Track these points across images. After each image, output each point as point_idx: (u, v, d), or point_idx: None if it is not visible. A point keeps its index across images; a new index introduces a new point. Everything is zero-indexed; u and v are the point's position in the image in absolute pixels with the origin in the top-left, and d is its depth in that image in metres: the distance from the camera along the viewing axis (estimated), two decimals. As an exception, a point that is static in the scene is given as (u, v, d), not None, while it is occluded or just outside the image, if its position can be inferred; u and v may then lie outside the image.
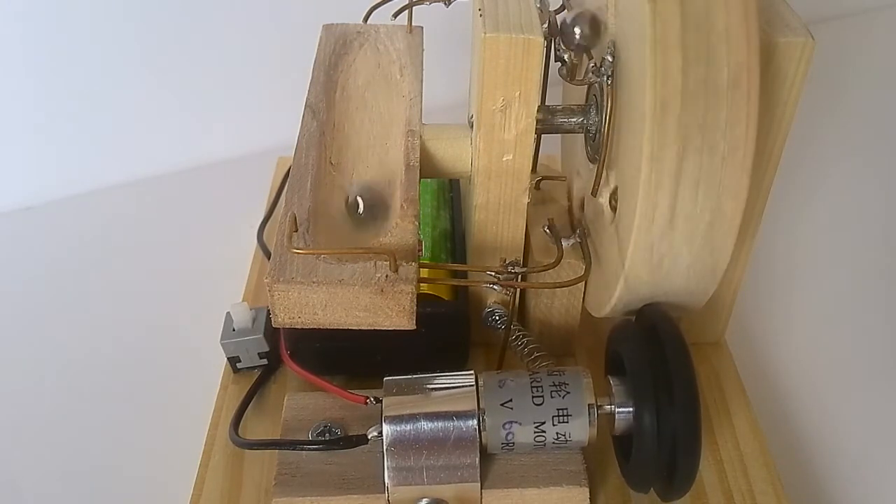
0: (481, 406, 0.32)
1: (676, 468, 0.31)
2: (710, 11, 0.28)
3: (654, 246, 0.30)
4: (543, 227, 0.38)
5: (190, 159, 0.59)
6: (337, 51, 0.40)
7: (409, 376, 0.34)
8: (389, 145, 0.36)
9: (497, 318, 0.39)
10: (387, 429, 0.32)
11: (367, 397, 0.34)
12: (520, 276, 0.34)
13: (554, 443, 0.32)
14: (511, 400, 0.32)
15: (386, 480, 0.32)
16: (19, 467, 0.40)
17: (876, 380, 0.43)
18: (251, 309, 0.40)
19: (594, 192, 0.34)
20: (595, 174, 0.34)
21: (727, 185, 0.29)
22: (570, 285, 0.36)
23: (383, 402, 0.33)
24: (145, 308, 0.48)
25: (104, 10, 0.53)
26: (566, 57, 0.35)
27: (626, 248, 0.31)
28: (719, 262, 0.31)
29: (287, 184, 0.33)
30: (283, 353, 0.38)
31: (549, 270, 0.35)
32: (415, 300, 0.29)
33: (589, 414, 0.32)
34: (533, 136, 0.34)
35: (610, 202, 0.33)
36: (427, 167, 0.36)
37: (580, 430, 0.32)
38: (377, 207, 0.32)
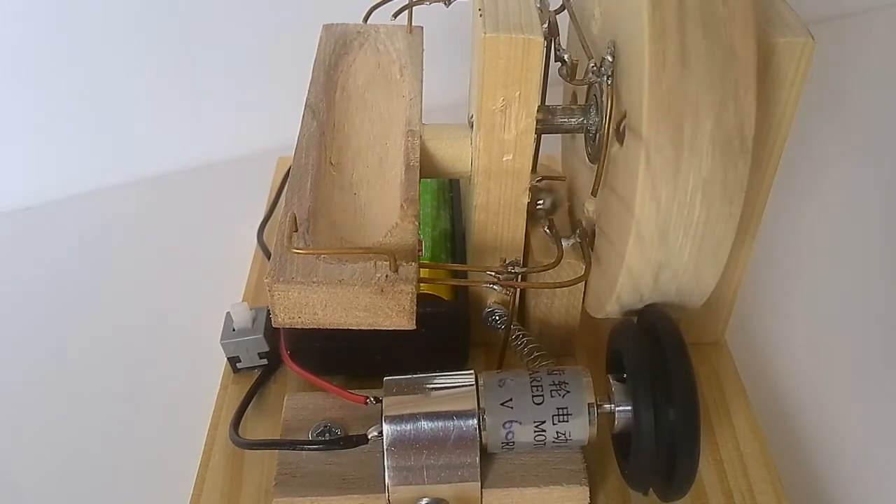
0: (481, 405, 0.32)
1: (675, 468, 0.31)
2: None
3: (669, 98, 0.28)
4: (543, 227, 0.38)
5: (190, 159, 0.59)
6: (337, 51, 0.40)
7: (409, 376, 0.34)
8: (389, 145, 0.36)
9: (497, 318, 0.39)
10: (387, 428, 0.32)
11: (367, 397, 0.34)
12: (520, 276, 0.34)
13: (554, 442, 0.32)
14: (511, 399, 0.32)
15: (386, 480, 0.32)
16: (19, 467, 0.40)
17: (876, 380, 0.43)
18: (251, 309, 0.40)
19: (594, 193, 0.34)
20: (595, 174, 0.34)
21: (733, 26, 0.28)
22: (570, 285, 0.36)
23: (383, 401, 0.33)
24: (145, 308, 0.48)
25: (104, 11, 0.53)
26: (566, 57, 0.35)
27: (641, 115, 0.29)
28: (745, 123, 0.29)
29: (287, 184, 0.33)
30: (283, 353, 0.38)
31: (549, 270, 0.35)
32: (415, 300, 0.29)
33: (589, 413, 0.32)
34: (533, 136, 0.34)
35: (619, 135, 0.32)
36: (427, 167, 0.36)
37: (580, 429, 0.32)
38: None
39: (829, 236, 0.52)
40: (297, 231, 0.30)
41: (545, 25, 0.34)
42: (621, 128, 0.32)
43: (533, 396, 0.32)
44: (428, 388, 0.33)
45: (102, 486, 0.39)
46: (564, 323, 0.40)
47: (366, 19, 0.41)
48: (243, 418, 0.38)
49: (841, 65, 0.67)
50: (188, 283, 0.49)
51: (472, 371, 0.33)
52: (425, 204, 0.44)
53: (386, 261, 0.29)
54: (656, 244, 0.31)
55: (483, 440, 0.32)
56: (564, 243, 0.37)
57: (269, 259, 0.32)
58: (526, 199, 0.36)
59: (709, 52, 0.28)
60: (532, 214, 0.38)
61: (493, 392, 0.32)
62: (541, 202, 0.39)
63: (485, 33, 0.32)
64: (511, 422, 0.32)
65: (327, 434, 0.34)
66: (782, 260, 0.50)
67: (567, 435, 0.32)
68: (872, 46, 0.71)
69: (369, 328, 0.30)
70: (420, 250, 0.31)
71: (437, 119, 0.38)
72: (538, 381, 0.32)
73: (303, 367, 0.37)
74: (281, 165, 0.54)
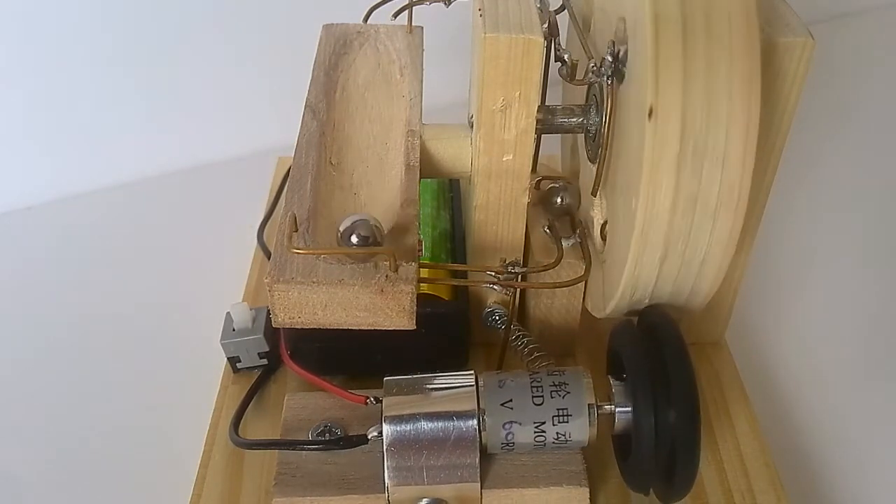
0: (481, 406, 0.32)
1: (675, 469, 0.31)
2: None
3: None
4: (543, 227, 0.38)
5: (190, 159, 0.59)
6: (337, 51, 0.40)
7: (409, 376, 0.34)
8: (389, 145, 0.36)
9: (497, 318, 0.39)
10: (387, 429, 0.32)
11: (367, 397, 0.34)
12: (520, 276, 0.34)
13: (554, 443, 0.32)
14: (511, 400, 0.32)
15: (386, 480, 0.32)
16: (19, 467, 0.40)
17: (876, 379, 0.43)
18: (251, 309, 0.40)
19: (594, 192, 0.34)
20: (595, 174, 0.34)
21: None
22: (570, 285, 0.36)
23: (383, 401, 0.33)
24: (145, 308, 0.48)
25: (105, 10, 0.53)
26: (566, 57, 0.35)
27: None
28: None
29: (287, 184, 0.33)
30: (283, 353, 0.38)
31: (549, 270, 0.35)
32: (415, 300, 0.29)
33: (589, 414, 0.32)
34: (533, 136, 0.34)
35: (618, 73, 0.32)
36: (427, 167, 0.36)
37: (580, 430, 0.32)
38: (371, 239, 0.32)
39: (829, 236, 0.52)
40: (297, 231, 0.30)
41: (545, 25, 0.34)
42: (618, 59, 0.31)
43: (533, 397, 0.32)
44: (428, 389, 0.33)
45: (102, 485, 0.39)
46: (564, 323, 0.40)
47: (366, 19, 0.41)
48: (243, 418, 0.38)
49: (841, 65, 0.67)
50: (188, 283, 0.49)
51: (472, 371, 0.33)
52: (425, 204, 0.44)
53: (386, 261, 0.29)
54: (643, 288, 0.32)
55: (483, 441, 0.32)
56: (564, 243, 0.37)
57: (269, 259, 0.32)
58: (526, 199, 0.36)
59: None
60: (550, 210, 0.38)
61: (493, 393, 0.32)
62: (559, 200, 0.39)
63: (485, 33, 0.32)
64: (511, 422, 0.32)
65: (327, 434, 0.34)
66: (782, 260, 0.50)
67: (567, 436, 0.32)
68: (872, 46, 0.71)
69: (369, 328, 0.30)
70: (420, 250, 0.31)
71: (437, 119, 0.38)
72: (538, 381, 0.32)
73: (303, 367, 0.37)
74: (281, 165, 0.54)
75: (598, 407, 0.32)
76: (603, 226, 0.33)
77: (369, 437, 0.33)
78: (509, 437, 0.32)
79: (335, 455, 0.34)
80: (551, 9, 0.37)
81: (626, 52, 0.31)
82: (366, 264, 0.29)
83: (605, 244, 0.33)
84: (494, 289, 0.35)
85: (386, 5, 0.40)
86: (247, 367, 0.40)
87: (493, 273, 0.34)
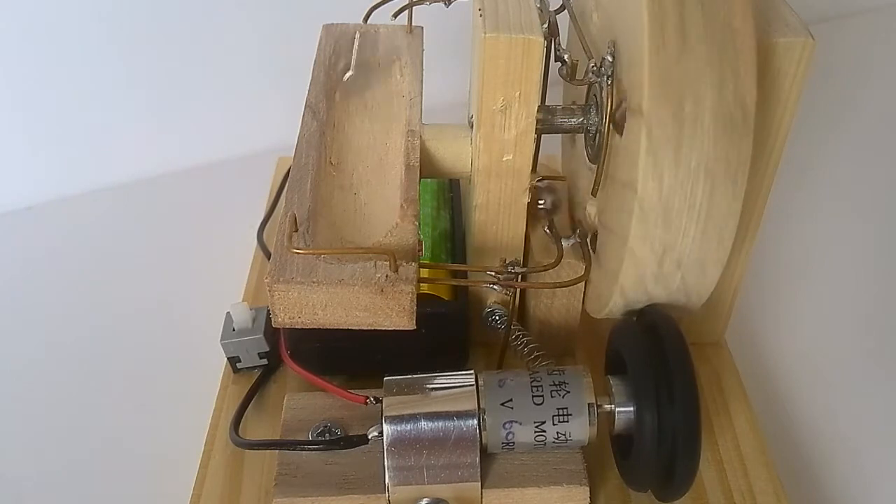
0: (481, 406, 0.32)
1: (675, 469, 0.31)
2: None
3: (670, 74, 0.28)
4: (543, 227, 0.38)
5: (190, 159, 0.59)
6: (337, 51, 0.40)
7: (410, 376, 0.34)
8: (389, 145, 0.36)
9: (497, 318, 0.39)
10: (387, 428, 0.32)
11: (367, 397, 0.34)
12: (520, 276, 0.34)
13: (554, 442, 0.32)
14: (511, 399, 0.32)
15: (386, 480, 0.32)
16: (19, 467, 0.40)
17: (876, 379, 0.43)
18: (251, 309, 0.40)
19: (594, 193, 0.34)
20: (595, 175, 0.34)
21: (732, 4, 0.28)
22: (570, 285, 0.36)
23: (383, 401, 0.33)
24: (145, 308, 0.48)
25: (104, 9, 0.53)
26: (566, 57, 0.35)
27: (642, 94, 0.29)
28: (747, 98, 0.29)
29: (287, 184, 0.33)
30: (283, 353, 0.39)
31: (549, 270, 0.35)
32: (415, 300, 0.29)
33: (589, 413, 0.32)
34: (533, 136, 0.34)
35: (617, 126, 0.32)
36: (427, 167, 0.36)
37: (580, 429, 0.32)
38: None
39: (830, 236, 0.52)
40: (297, 231, 0.30)
41: (545, 25, 0.34)
42: (618, 115, 0.31)
43: (533, 396, 0.32)
44: (428, 388, 0.33)
45: (103, 486, 0.39)
46: (564, 323, 0.40)
47: (366, 19, 0.41)
48: (243, 418, 0.38)
49: (841, 65, 0.67)
50: (188, 284, 0.49)
51: (472, 371, 0.33)
52: (425, 204, 0.44)
53: (386, 261, 0.29)
54: (660, 225, 0.30)
55: (483, 440, 0.32)
56: (564, 243, 0.37)
57: (269, 259, 0.32)
58: (526, 199, 0.36)
59: (708, 30, 0.28)
60: (533, 214, 0.38)
61: (494, 392, 0.32)
62: (542, 202, 0.39)
63: (485, 33, 0.32)
64: (511, 422, 0.32)
65: (327, 434, 0.34)
66: (782, 260, 0.50)
67: (567, 435, 0.32)
68: (872, 46, 0.71)
69: (369, 328, 0.30)
70: (420, 250, 0.31)
71: (437, 119, 0.38)
72: (538, 381, 0.32)
73: (303, 367, 0.37)
74: (281, 165, 0.54)
75: (598, 406, 0.32)
76: (620, 105, 0.32)
77: (369, 437, 0.33)
78: (509, 436, 0.32)
79: (335, 455, 0.34)
80: (551, 9, 0.37)
81: (623, 115, 0.31)
82: (366, 264, 0.29)
83: (623, 131, 0.31)
84: (494, 289, 0.35)
85: (386, 5, 0.40)
86: (247, 367, 0.40)
87: (493, 273, 0.34)
